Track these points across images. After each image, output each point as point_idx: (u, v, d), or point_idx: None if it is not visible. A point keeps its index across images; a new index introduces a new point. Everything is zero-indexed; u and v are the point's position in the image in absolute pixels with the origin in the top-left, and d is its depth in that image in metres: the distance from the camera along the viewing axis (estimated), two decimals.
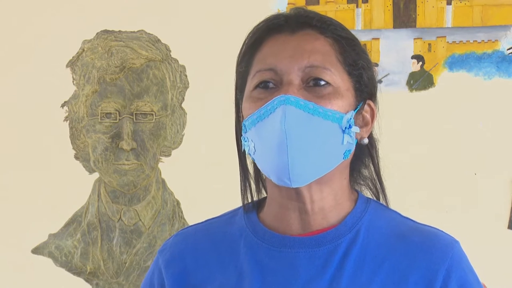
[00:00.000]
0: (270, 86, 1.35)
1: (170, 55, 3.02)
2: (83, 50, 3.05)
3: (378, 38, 2.88)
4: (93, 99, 3.04)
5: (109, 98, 3.03)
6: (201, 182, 2.97)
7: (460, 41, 2.85)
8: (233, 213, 1.48)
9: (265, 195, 1.46)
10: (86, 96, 3.04)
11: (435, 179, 2.84)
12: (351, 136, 1.35)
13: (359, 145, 1.41)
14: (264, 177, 1.45)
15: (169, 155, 3.03)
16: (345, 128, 1.34)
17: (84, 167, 3.06)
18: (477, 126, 2.83)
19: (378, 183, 1.46)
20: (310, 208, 1.38)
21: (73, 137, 3.06)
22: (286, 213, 1.40)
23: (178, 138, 3.02)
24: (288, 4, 2.91)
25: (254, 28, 1.41)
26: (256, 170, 1.45)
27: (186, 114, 3.02)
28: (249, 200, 1.46)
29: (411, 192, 2.80)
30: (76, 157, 3.06)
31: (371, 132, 1.43)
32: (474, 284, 1.38)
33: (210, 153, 2.96)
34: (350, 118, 1.35)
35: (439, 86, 2.86)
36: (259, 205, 1.46)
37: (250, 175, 1.45)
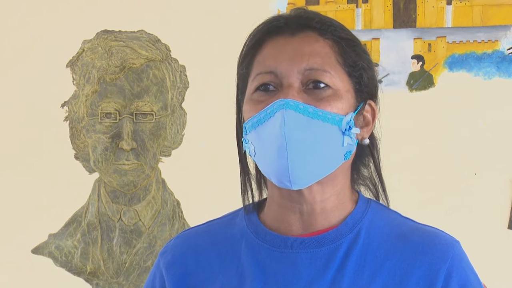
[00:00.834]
0: (270, 88, 1.35)
1: (170, 55, 3.02)
2: (83, 50, 3.05)
3: (378, 38, 2.88)
4: (93, 99, 3.04)
5: (109, 98, 3.03)
6: (201, 182, 2.97)
7: (460, 41, 2.85)
8: (233, 215, 1.48)
9: (265, 196, 1.46)
10: (86, 96, 3.04)
11: (435, 179, 2.84)
12: (351, 137, 1.35)
13: (360, 145, 1.41)
14: (264, 178, 1.45)
15: (169, 155, 3.03)
16: (345, 130, 1.34)
17: (84, 167, 3.06)
18: (477, 126, 2.83)
19: (378, 183, 1.46)
20: (311, 209, 1.38)
21: (73, 137, 3.06)
22: (287, 213, 1.40)
23: (178, 138, 3.02)
24: (288, 4, 2.91)
25: (254, 30, 1.41)
26: (257, 171, 1.45)
27: (186, 114, 3.02)
28: (250, 201, 1.46)
29: (411, 192, 2.80)
30: (76, 157, 3.06)
31: (372, 132, 1.43)
32: (475, 284, 1.38)
33: (210, 153, 2.96)
34: (350, 120, 1.35)
35: (439, 86, 2.86)
36: (259, 206, 1.46)
37: (251, 176, 1.45)
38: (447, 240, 1.39)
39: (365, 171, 1.46)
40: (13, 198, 3.07)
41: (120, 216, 3.05)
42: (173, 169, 3.03)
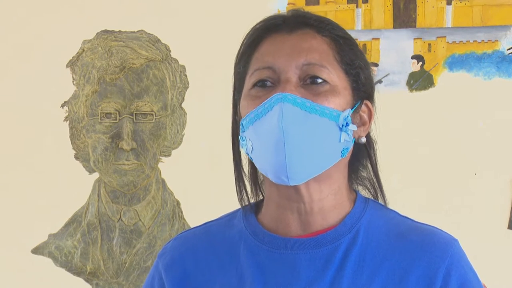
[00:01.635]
0: (268, 84, 1.36)
1: (170, 55, 3.02)
2: (83, 50, 3.05)
3: (378, 38, 2.88)
4: (93, 99, 3.04)
5: (109, 98, 3.03)
6: (201, 182, 2.97)
7: (460, 41, 2.85)
8: (231, 216, 1.48)
9: (262, 197, 1.46)
10: (86, 96, 3.04)
11: (435, 179, 2.84)
12: (348, 134, 1.35)
13: (357, 146, 1.41)
14: (261, 179, 1.45)
15: (169, 155, 3.03)
16: (342, 125, 1.35)
17: (84, 167, 3.06)
18: (477, 126, 2.83)
19: (376, 183, 1.46)
20: (309, 208, 1.38)
21: (73, 137, 3.06)
22: (285, 213, 1.39)
23: (178, 138, 3.03)
24: (288, 4, 2.91)
25: (252, 28, 1.42)
26: (253, 172, 1.45)
27: (186, 114, 3.02)
28: (245, 202, 1.46)
29: (411, 192, 2.81)
30: (76, 157, 3.06)
31: (368, 132, 1.43)
32: (474, 282, 1.38)
33: (210, 153, 2.96)
34: (347, 116, 1.35)
35: (439, 86, 2.86)
36: (257, 207, 1.46)
37: (245, 177, 1.45)
38: (445, 239, 1.39)
39: (363, 172, 1.47)
40: (13, 198, 3.07)
41: (120, 216, 3.05)
42: (173, 169, 3.03)
